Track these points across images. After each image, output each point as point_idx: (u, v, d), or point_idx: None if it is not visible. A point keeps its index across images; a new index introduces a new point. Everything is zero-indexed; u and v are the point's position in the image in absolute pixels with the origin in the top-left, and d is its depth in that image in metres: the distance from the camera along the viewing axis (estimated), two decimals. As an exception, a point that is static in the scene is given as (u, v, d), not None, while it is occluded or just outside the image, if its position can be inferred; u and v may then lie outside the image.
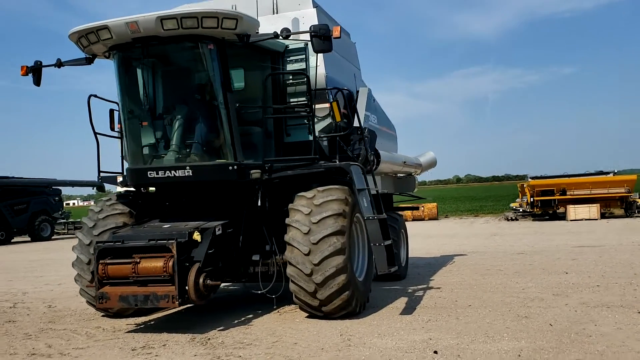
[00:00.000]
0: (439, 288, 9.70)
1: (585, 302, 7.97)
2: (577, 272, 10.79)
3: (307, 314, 7.66)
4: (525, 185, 28.98)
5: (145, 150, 7.57)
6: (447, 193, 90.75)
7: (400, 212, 11.38)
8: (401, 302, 8.52)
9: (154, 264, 6.79)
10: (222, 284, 8.54)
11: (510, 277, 10.53)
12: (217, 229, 7.32)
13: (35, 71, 7.59)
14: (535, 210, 27.99)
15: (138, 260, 6.86)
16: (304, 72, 7.78)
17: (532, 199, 27.58)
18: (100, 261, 6.97)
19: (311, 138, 8.02)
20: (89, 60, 7.50)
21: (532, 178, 29.11)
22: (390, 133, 11.42)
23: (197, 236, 7.06)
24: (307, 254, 7.17)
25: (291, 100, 8.12)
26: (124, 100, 7.49)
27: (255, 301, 8.75)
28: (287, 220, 7.39)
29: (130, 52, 7.18)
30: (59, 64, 7.55)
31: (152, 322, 7.90)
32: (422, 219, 34.34)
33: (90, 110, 7.74)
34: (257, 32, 7.25)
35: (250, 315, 7.89)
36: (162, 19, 6.63)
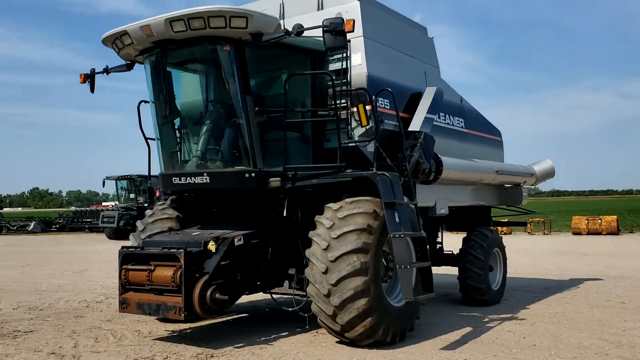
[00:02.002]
0: (521, 319, 8.29)
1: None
2: None
3: (337, 339, 6.96)
4: None
5: (173, 156, 7.46)
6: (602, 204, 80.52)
7: (493, 228, 9.99)
8: (456, 334, 7.39)
9: (165, 273, 6.61)
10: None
11: (624, 313, 8.68)
12: (236, 240, 6.95)
13: (89, 78, 7.89)
14: None
15: (153, 268, 6.75)
16: (327, 72, 7.08)
17: None
18: (124, 266, 6.99)
19: (351, 144, 7.31)
20: (128, 67, 7.58)
21: None
22: (485, 137, 10.13)
23: (212, 246, 6.74)
24: (325, 272, 6.48)
25: (331, 103, 7.46)
26: (152, 106, 7.46)
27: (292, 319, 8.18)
28: (310, 234, 6.78)
29: (154, 57, 7.11)
30: (106, 70, 7.77)
31: (186, 331, 7.77)
32: (600, 233, 30.72)
33: (140, 115, 7.86)
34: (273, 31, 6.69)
35: (274, 335, 7.37)
36: (170, 21, 6.44)
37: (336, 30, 6.15)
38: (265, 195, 7.35)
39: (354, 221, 6.58)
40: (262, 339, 7.21)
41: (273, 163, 7.09)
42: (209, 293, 6.49)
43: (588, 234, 30.74)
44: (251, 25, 6.42)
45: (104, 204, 52.31)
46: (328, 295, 6.46)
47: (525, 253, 19.86)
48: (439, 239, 10.38)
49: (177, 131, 7.38)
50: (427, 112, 7.97)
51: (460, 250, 9.53)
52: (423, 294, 6.75)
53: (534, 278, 13.15)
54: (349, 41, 7.39)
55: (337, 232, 6.53)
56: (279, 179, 6.89)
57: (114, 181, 35.14)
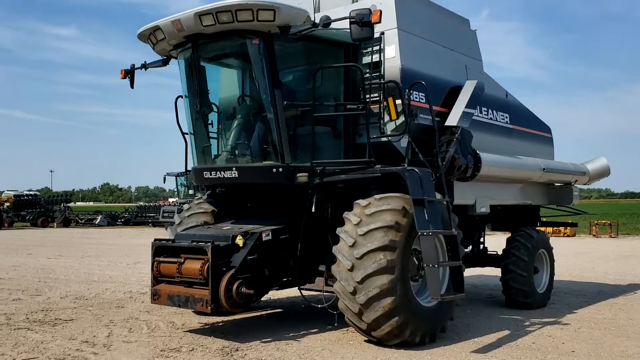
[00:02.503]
0: (564, 324, 7.89)
1: None
2: None
3: (365, 338, 6.82)
4: None
5: (205, 151, 7.49)
6: None
7: (540, 229, 9.53)
8: (492, 337, 7.10)
9: (194, 265, 6.65)
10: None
11: (680, 322, 8.12)
12: (264, 235, 6.92)
13: (129, 74, 8.04)
14: None
15: (183, 260, 6.81)
16: (356, 65, 6.92)
17: None
18: (156, 258, 7.09)
19: (384, 139, 7.15)
20: (164, 62, 7.67)
21: None
22: (532, 133, 9.71)
23: (239, 240, 6.75)
24: (351, 270, 6.36)
25: (367, 97, 7.30)
26: (186, 100, 7.51)
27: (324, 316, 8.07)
28: (337, 230, 6.66)
29: (187, 51, 7.15)
30: (144, 66, 7.89)
31: (218, 324, 7.82)
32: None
33: (177, 110, 7.95)
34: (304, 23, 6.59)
35: (303, 332, 7.29)
36: (199, 15, 6.45)
37: (362, 21, 6.01)
38: (295, 190, 7.29)
39: (381, 218, 6.42)
40: (291, 334, 7.16)
41: (305, 158, 7.02)
42: (235, 287, 6.48)
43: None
44: (279, 18, 6.36)
45: (169, 199, 53.90)
46: (354, 293, 6.34)
47: (585, 256, 19.03)
48: (483, 239, 10.03)
49: (209, 126, 7.41)
50: (466, 107, 7.69)
51: (504, 250, 9.17)
52: (452, 295, 6.52)
53: (589, 282, 12.54)
54: (383, 33, 7.26)
55: (364, 229, 6.39)
56: (306, 174, 6.81)
57: (174, 177, 36.05)
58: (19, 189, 53.00)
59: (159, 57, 7.82)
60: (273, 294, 9.80)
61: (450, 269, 6.67)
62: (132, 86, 8.12)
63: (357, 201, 6.75)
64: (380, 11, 6.16)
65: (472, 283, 12.30)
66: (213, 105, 7.41)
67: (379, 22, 6.16)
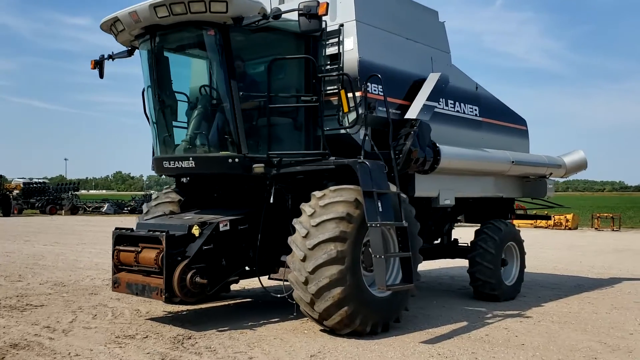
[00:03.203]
0: (526, 317, 7.92)
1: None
2: None
3: (320, 327, 6.92)
4: None
5: (165, 141, 7.57)
6: None
7: (508, 222, 9.51)
8: (447, 328, 7.17)
9: (150, 255, 6.77)
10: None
11: (643, 316, 8.13)
12: (222, 225, 7.02)
13: (98, 64, 8.13)
14: None
15: (140, 249, 6.93)
16: (309, 57, 6.96)
17: None
18: (116, 247, 7.23)
19: (342, 131, 7.20)
20: (129, 52, 7.76)
21: None
22: (505, 126, 9.71)
23: (195, 230, 6.85)
24: (303, 260, 6.45)
25: (328, 88, 7.36)
26: (146, 91, 7.59)
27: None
28: (293, 221, 6.75)
29: (146, 42, 7.23)
30: (111, 57, 7.98)
31: (182, 312, 7.95)
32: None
33: (144, 101, 8.03)
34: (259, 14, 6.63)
35: (264, 321, 7.38)
36: (154, 7, 6.54)
37: (310, 13, 6.07)
38: (255, 181, 7.38)
39: (334, 210, 6.49)
40: (250, 323, 7.27)
41: (276, 149, 7.11)
42: (189, 276, 6.59)
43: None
44: (231, 10, 6.43)
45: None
46: (306, 283, 6.43)
47: (579, 249, 18.96)
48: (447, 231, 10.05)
49: (170, 116, 7.48)
50: (427, 100, 7.71)
51: (471, 242, 9.21)
52: (400, 285, 6.59)
53: (571, 275, 12.53)
54: (342, 25, 7.30)
55: (317, 220, 6.47)
56: (262, 165, 6.89)
57: None
58: (34, 177, 53.59)
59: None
60: (247, 284, 9.91)
61: (401, 260, 6.73)
62: (101, 76, 8.22)
63: (313, 192, 6.83)
64: (327, 3, 6.20)
65: (450, 274, 12.37)
66: (174, 96, 7.47)
67: (326, 14, 6.21)
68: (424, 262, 8.96)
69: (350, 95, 7.08)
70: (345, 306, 6.37)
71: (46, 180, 54.19)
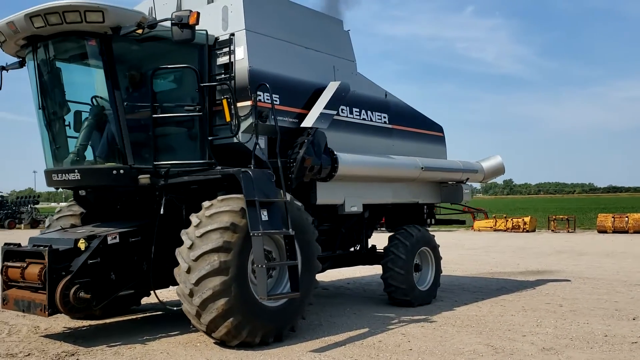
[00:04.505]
0: (429, 322, 7.95)
1: None
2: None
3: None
4: None
5: (54, 153, 7.44)
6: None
7: (421, 227, 9.52)
8: (344, 336, 7.15)
9: (34, 270, 6.65)
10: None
11: (547, 317, 8.22)
12: (110, 238, 6.91)
13: None
14: None
15: (26, 265, 6.79)
16: (190, 67, 6.92)
17: None
18: (5, 263, 7.07)
19: (235, 140, 7.17)
20: (20, 64, 7.60)
21: None
22: (418, 133, 9.77)
23: (81, 244, 6.74)
24: (188, 272, 6.38)
25: (219, 98, 7.32)
26: (34, 101, 7.47)
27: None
28: (182, 232, 6.68)
29: (30, 52, 7.11)
30: (3, 68, 7.79)
31: (82, 328, 7.80)
32: (626, 231, 29.23)
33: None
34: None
35: (162, 335, 7.26)
36: (30, 17, 6.45)
37: (182, 23, 6.03)
38: (151, 192, 7.28)
39: (219, 219, 6.45)
40: (145, 337, 7.16)
41: (161, 159, 7.04)
42: (72, 292, 6.47)
43: (614, 232, 29.37)
44: (108, 20, 6.36)
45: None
46: (191, 295, 6.36)
47: (523, 252, 19.19)
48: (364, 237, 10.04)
49: (57, 128, 7.34)
50: (325, 108, 7.72)
51: (384, 248, 9.23)
52: (285, 294, 6.57)
53: (500, 278, 12.65)
54: (233, 35, 7.28)
55: (202, 230, 6.42)
56: (148, 175, 6.82)
57: None
58: (3, 191, 52.47)
59: None
60: (167, 296, 9.77)
61: (288, 269, 6.70)
62: None
63: (203, 202, 6.77)
64: (198, 13, 6.18)
65: (379, 281, 12.35)
66: (62, 107, 7.32)
67: (197, 23, 6.18)
68: (355, 268, 8.94)
69: (243, 104, 7.10)
70: (230, 317, 6.31)
71: (4, 194, 52.99)
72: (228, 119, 6.82)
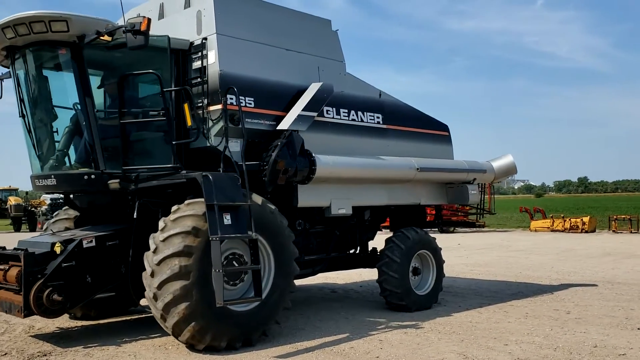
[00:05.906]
0: (415, 329, 7.66)
1: None
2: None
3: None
4: None
5: (36, 158, 7.63)
6: None
7: (419, 229, 9.16)
8: (319, 341, 7.00)
9: (13, 272, 6.88)
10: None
11: (549, 324, 7.77)
12: (86, 241, 7.06)
13: None
14: None
15: (8, 267, 7.04)
16: (153, 72, 6.92)
17: None
18: (-9, 265, 7.36)
19: (208, 144, 7.18)
20: (10, 73, 7.91)
21: None
22: (418, 132, 9.46)
23: (57, 247, 6.91)
24: (152, 276, 6.43)
25: (197, 101, 7.35)
26: (18, 108, 7.71)
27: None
28: (150, 236, 6.73)
29: (10, 61, 7.37)
30: (1, 78, 8.14)
31: (73, 329, 8.02)
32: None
33: None
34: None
35: (142, 337, 7.32)
36: (2, 28, 6.67)
37: (134, 29, 6.08)
38: (125, 197, 7.39)
39: (181, 224, 6.46)
40: (125, 339, 7.26)
41: (138, 164, 7.16)
42: (45, 294, 6.65)
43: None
44: (72, 29, 6.51)
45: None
46: (155, 299, 6.41)
47: (569, 254, 18.26)
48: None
49: (40, 134, 7.54)
50: (304, 110, 7.58)
51: (380, 252, 8.99)
52: (245, 299, 6.52)
53: (519, 283, 12.03)
54: (205, 39, 7.28)
55: (165, 234, 6.45)
56: (117, 180, 6.92)
57: None
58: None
59: None
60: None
61: (252, 273, 6.62)
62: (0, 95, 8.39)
63: (173, 207, 6.81)
64: (149, 19, 6.20)
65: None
66: (41, 113, 7.51)
67: (148, 30, 6.20)
68: (373, 270, 8.78)
69: (215, 107, 7.11)
70: (192, 322, 6.30)
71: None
72: (189, 123, 6.83)
